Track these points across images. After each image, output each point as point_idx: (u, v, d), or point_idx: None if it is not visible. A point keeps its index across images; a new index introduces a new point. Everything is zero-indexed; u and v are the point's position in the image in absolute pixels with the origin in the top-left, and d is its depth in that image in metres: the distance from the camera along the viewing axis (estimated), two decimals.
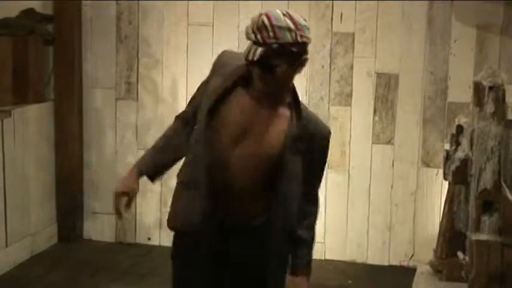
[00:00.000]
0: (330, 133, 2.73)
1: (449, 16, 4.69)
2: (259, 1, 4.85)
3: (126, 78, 5.13)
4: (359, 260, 4.96)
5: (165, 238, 4.89)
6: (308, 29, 2.51)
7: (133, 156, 5.14)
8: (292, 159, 2.61)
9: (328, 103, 4.89)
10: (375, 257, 4.93)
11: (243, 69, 2.60)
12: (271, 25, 2.46)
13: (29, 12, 4.97)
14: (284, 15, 2.48)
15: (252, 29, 2.48)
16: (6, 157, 4.59)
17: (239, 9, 4.89)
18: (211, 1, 4.91)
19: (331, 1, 4.80)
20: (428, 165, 4.81)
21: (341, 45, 4.83)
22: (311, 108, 4.85)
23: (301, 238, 2.80)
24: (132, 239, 5.23)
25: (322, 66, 4.86)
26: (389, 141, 4.85)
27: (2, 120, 4.54)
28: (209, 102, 2.62)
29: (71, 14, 5.02)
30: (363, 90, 4.85)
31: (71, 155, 5.15)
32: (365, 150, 4.88)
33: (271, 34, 2.45)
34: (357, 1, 4.77)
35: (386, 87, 4.82)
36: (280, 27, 2.45)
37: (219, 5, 4.91)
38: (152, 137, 5.06)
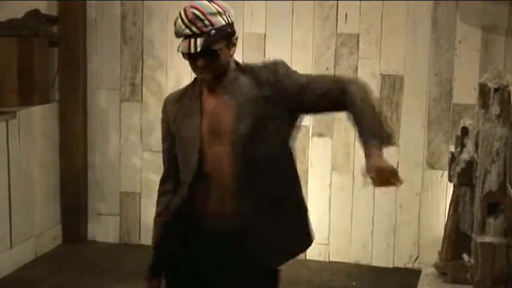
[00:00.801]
0: (276, 60, 2.67)
1: (454, 17, 4.68)
2: (263, 1, 4.86)
3: (130, 79, 5.13)
4: (363, 261, 4.95)
5: None
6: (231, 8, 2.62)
7: (138, 157, 5.16)
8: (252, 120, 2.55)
9: None
10: (380, 258, 4.92)
11: (180, 92, 2.71)
12: (203, 14, 2.52)
13: (34, 14, 4.98)
14: (209, 1, 2.56)
15: (185, 24, 2.51)
16: (11, 158, 4.60)
17: (243, 12, 4.89)
18: None
19: (335, 2, 4.79)
20: (433, 167, 4.80)
21: (346, 47, 4.82)
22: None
23: (351, 104, 2.62)
24: (137, 240, 5.23)
25: (327, 67, 4.85)
26: (394, 143, 4.83)
27: (7, 122, 4.55)
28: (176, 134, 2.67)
29: (75, 15, 5.03)
30: None
31: (76, 156, 5.16)
32: None
33: (206, 22, 2.51)
34: (362, 2, 4.76)
35: (391, 88, 4.81)
36: (211, 14, 2.53)
37: None
38: (156, 138, 5.06)
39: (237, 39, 2.64)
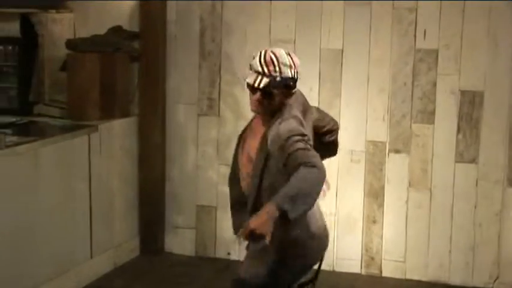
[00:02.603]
0: (285, 131, 2.93)
1: None
2: (341, 17, 4.85)
3: (208, 94, 5.20)
4: (441, 280, 4.86)
5: (244, 253, 4.90)
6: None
7: (214, 170, 5.21)
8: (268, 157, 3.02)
9: (411, 120, 4.83)
10: (458, 277, 4.82)
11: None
12: (278, 62, 3.02)
13: (116, 30, 5.11)
14: (287, 54, 3.06)
15: (260, 62, 3.02)
16: (92, 171, 4.71)
17: (321, 27, 4.90)
18: (294, 18, 4.94)
19: (414, 18, 4.75)
20: None
21: (424, 62, 4.77)
22: (392, 126, 4.82)
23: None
24: (212, 253, 5.27)
25: (405, 83, 4.81)
26: (474, 160, 4.75)
27: (89, 135, 4.67)
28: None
29: (156, 31, 5.13)
30: (447, 108, 4.77)
31: (154, 168, 5.25)
32: (448, 168, 4.79)
33: (277, 69, 3.01)
34: (441, 17, 4.70)
35: (470, 104, 4.73)
36: (284, 64, 3.03)
37: (300, 22, 4.93)
38: (232, 152, 5.12)
39: (294, 92, 3.09)
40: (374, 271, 4.98)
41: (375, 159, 4.89)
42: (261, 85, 3.00)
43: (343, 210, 5.00)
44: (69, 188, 4.52)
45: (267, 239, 2.78)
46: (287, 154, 2.88)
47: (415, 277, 4.90)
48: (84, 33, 5.13)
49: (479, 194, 4.76)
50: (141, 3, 5.14)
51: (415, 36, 4.77)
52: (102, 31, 5.08)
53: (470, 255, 4.80)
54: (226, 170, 5.12)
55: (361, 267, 5.01)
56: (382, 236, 4.94)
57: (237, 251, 5.10)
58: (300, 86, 3.16)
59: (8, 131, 4.35)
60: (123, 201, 5.10)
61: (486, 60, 4.67)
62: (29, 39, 5.09)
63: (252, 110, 3.13)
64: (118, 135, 5.01)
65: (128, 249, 5.18)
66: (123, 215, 5.12)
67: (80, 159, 4.61)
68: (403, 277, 4.91)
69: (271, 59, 3.01)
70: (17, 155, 4.06)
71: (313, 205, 2.89)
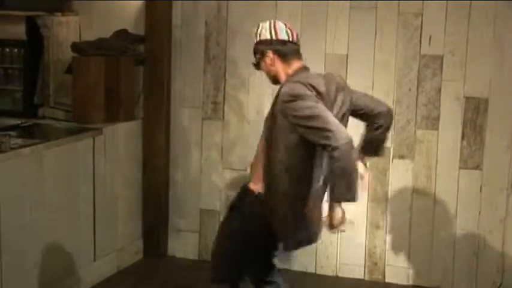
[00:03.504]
0: (286, 90, 3.22)
1: None
2: (346, 22, 4.85)
3: (212, 98, 5.20)
4: (444, 286, 4.85)
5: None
6: None
7: (218, 175, 5.21)
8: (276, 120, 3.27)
9: (415, 126, 4.83)
10: (461, 283, 4.82)
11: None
12: (260, 28, 3.47)
13: (121, 33, 5.11)
14: (271, 23, 3.44)
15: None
16: (96, 173, 4.72)
17: (326, 31, 4.90)
18: (299, 23, 4.94)
19: (419, 23, 4.75)
20: None
21: (429, 68, 4.77)
22: (397, 131, 4.82)
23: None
24: None
25: (410, 89, 4.81)
26: (478, 167, 4.74)
27: (94, 138, 4.68)
28: None
29: (161, 35, 5.14)
30: (451, 114, 4.76)
31: (158, 172, 5.25)
32: (452, 175, 4.79)
33: (258, 34, 3.45)
34: (447, 23, 4.70)
35: (475, 111, 4.72)
36: (264, 29, 3.44)
37: (306, 26, 4.93)
38: (237, 156, 5.13)
39: (286, 55, 3.40)
40: (377, 277, 4.98)
41: (379, 165, 4.89)
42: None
43: (346, 215, 4.98)
44: (73, 191, 4.53)
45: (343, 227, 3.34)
46: (291, 116, 3.16)
47: (419, 283, 4.89)
48: (89, 36, 5.14)
49: (483, 200, 4.75)
50: (146, 7, 5.14)
51: (420, 41, 4.77)
52: (107, 34, 5.09)
53: (474, 261, 4.79)
54: (230, 174, 5.16)
55: (364, 273, 5.00)
56: (385, 241, 4.94)
57: None
58: None
59: (13, 133, 4.37)
60: (126, 204, 5.10)
61: (491, 67, 4.66)
62: (35, 42, 5.10)
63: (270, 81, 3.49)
64: (122, 138, 5.02)
65: (131, 252, 5.18)
66: (127, 218, 5.12)
67: (84, 162, 4.62)
68: (406, 283, 4.90)
69: (256, 28, 3.44)
70: (21, 157, 4.07)
71: (354, 169, 3.14)
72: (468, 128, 4.73)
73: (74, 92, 4.90)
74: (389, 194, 4.90)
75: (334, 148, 3.05)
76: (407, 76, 4.80)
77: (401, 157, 4.87)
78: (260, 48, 3.43)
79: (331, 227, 3.32)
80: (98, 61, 4.84)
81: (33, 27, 5.10)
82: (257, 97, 5.06)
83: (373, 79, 4.85)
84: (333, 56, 4.91)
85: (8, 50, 5.21)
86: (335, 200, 3.24)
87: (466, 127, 4.74)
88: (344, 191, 3.12)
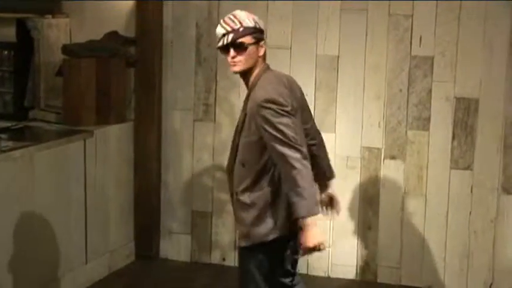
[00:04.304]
0: (262, 99, 3.15)
1: None
2: (337, 24, 4.86)
3: (204, 99, 5.20)
4: (435, 286, 4.86)
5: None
6: None
7: (210, 176, 5.21)
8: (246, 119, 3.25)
9: (406, 127, 4.84)
10: (452, 284, 4.83)
11: None
12: (235, 17, 3.23)
13: (112, 35, 5.11)
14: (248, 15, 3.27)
15: (221, 25, 3.24)
16: (87, 176, 4.71)
17: (317, 33, 4.91)
18: (290, 24, 4.95)
19: (410, 24, 4.76)
20: (509, 192, 4.69)
21: (420, 69, 4.78)
22: (388, 132, 4.83)
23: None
24: (208, 259, 5.27)
25: (400, 90, 4.82)
26: (468, 167, 4.76)
27: (85, 140, 4.67)
28: None
29: (152, 36, 5.14)
30: (442, 115, 4.78)
31: (149, 174, 5.25)
32: (443, 175, 4.80)
33: (236, 22, 3.20)
34: (437, 24, 4.72)
35: (465, 111, 4.74)
36: (241, 17, 3.22)
37: (297, 28, 4.94)
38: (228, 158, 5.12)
39: (264, 43, 3.27)
40: (369, 277, 4.98)
41: (370, 166, 4.90)
42: (229, 40, 3.18)
43: (338, 216, 4.99)
44: (64, 193, 4.52)
45: (322, 246, 3.07)
46: (260, 125, 3.14)
47: (410, 283, 4.90)
48: (80, 38, 5.14)
49: (474, 200, 4.77)
50: (137, 8, 5.14)
51: (410, 43, 4.78)
52: (98, 36, 5.08)
53: (465, 261, 4.81)
54: (221, 176, 5.15)
55: (356, 274, 5.01)
56: (377, 242, 4.95)
57: (232, 256, 5.10)
58: None
59: (3, 135, 4.35)
60: (118, 206, 5.09)
61: (481, 68, 4.68)
62: (25, 44, 5.09)
63: (233, 71, 3.29)
64: (114, 140, 5.01)
65: (123, 254, 5.17)
66: (119, 220, 5.11)
67: (75, 165, 4.61)
68: (398, 283, 4.91)
69: (229, 17, 3.23)
70: (12, 160, 4.06)
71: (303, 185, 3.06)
72: (459, 128, 4.75)
73: (65, 94, 4.89)
74: (380, 194, 4.91)
75: (293, 166, 3.06)
76: (398, 77, 4.81)
77: (393, 158, 4.88)
78: (258, 36, 3.22)
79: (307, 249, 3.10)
80: (89, 63, 4.84)
81: (23, 29, 5.08)
82: None
83: (364, 80, 4.86)
84: (324, 57, 4.92)
85: None
86: (301, 215, 3.06)
87: (456, 128, 4.76)
88: (307, 204, 3.04)
